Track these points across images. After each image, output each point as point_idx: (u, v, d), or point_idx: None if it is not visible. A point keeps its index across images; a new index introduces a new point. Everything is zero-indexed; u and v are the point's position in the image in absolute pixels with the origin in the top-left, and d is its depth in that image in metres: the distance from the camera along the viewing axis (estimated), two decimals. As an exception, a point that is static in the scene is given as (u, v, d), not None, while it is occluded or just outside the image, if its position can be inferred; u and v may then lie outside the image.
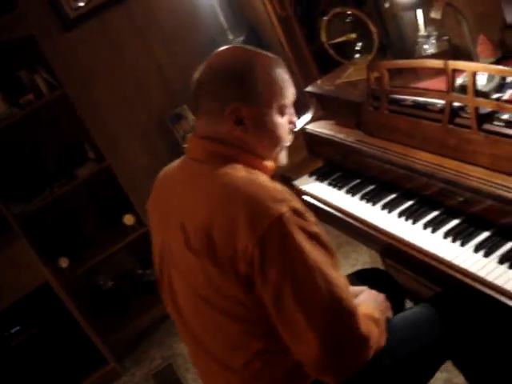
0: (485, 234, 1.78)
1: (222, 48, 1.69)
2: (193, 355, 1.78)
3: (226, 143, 1.61)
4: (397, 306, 1.92)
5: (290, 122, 1.72)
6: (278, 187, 1.52)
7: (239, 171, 1.55)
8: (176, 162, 1.76)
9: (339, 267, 1.53)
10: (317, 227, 1.51)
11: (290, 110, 1.71)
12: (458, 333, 1.76)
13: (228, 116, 1.58)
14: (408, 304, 2.28)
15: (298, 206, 1.49)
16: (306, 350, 1.45)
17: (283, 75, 1.65)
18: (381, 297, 1.82)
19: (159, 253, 1.73)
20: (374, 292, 1.85)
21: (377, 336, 1.56)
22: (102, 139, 3.76)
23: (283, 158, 1.76)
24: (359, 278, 2.13)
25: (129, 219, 3.82)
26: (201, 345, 1.67)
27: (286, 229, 1.43)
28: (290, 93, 1.67)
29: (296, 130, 2.64)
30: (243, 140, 1.62)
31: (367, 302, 1.76)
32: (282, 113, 1.66)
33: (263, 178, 1.55)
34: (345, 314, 1.46)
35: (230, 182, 1.53)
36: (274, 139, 1.67)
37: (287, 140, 1.73)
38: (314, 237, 1.48)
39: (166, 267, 1.71)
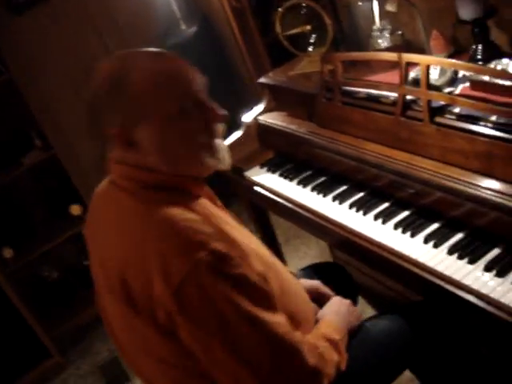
0: (434, 226, 1.80)
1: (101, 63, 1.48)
2: None
3: (139, 167, 1.43)
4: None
5: (207, 119, 1.46)
6: (196, 226, 1.33)
7: (160, 206, 1.37)
8: (106, 181, 1.56)
9: (273, 302, 1.39)
10: (244, 266, 1.34)
11: (201, 107, 1.45)
12: (419, 343, 1.76)
13: (117, 142, 1.42)
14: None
15: (220, 247, 1.30)
16: None
17: (175, 72, 1.43)
18: (345, 305, 1.77)
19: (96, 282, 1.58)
20: (337, 301, 1.79)
21: (335, 361, 1.49)
22: (50, 127, 3.68)
23: (221, 160, 1.51)
24: (314, 271, 2.12)
25: (75, 209, 3.75)
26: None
27: (203, 279, 1.27)
28: (190, 89, 1.43)
29: (246, 122, 2.64)
30: (149, 162, 1.42)
31: (330, 314, 1.70)
32: (186, 116, 1.41)
33: (183, 215, 1.35)
34: (287, 354, 1.36)
35: (142, 222, 1.36)
36: (188, 148, 1.45)
37: (211, 141, 1.49)
38: (238, 280, 1.32)
39: (100, 300, 1.57)
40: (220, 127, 1.52)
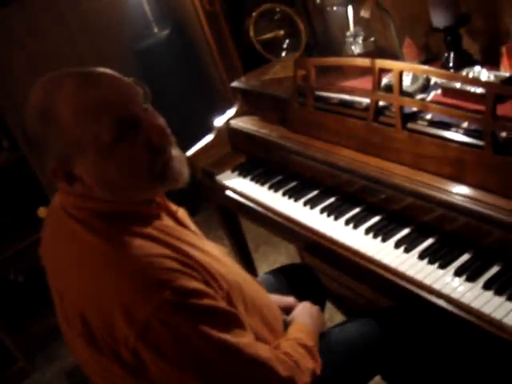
0: (405, 231, 1.80)
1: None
2: None
3: (88, 197, 1.35)
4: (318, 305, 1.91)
5: (147, 137, 1.32)
6: (159, 263, 1.26)
7: (114, 242, 1.30)
8: (58, 203, 1.45)
9: (240, 322, 1.37)
10: (207, 295, 1.29)
11: (137, 126, 1.31)
12: (389, 349, 1.76)
13: (58, 177, 1.34)
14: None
15: (183, 282, 1.26)
16: None
17: (103, 97, 1.29)
18: (315, 310, 1.77)
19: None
20: (307, 305, 1.79)
21: (310, 368, 1.48)
22: (19, 128, 3.62)
23: (175, 177, 1.39)
24: (282, 273, 2.12)
25: (43, 212, 3.69)
26: None
27: (168, 317, 1.23)
28: (123, 112, 1.29)
29: (218, 126, 2.63)
30: (94, 193, 1.34)
31: (302, 317, 1.70)
32: (122, 140, 1.29)
33: (146, 251, 1.28)
34: (259, 372, 1.34)
35: (100, 258, 1.29)
36: (131, 173, 1.33)
37: (158, 159, 1.35)
38: (204, 312, 1.28)
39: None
40: (171, 138, 1.40)
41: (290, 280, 2.05)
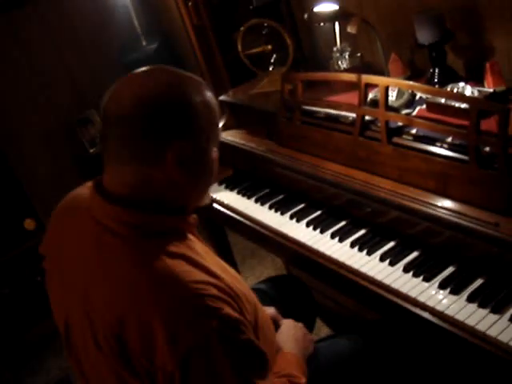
0: (391, 244, 1.82)
1: (138, 71, 1.35)
2: None
3: (148, 205, 1.31)
4: (309, 320, 1.91)
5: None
6: (208, 290, 1.22)
7: (162, 261, 1.25)
8: (82, 199, 1.40)
9: (269, 366, 1.33)
10: (247, 330, 1.27)
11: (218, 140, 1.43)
12: (378, 365, 1.77)
13: (170, 158, 1.27)
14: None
15: (230, 312, 1.23)
16: None
17: (214, 100, 1.38)
18: (300, 330, 1.74)
19: (63, 320, 1.43)
20: (291, 326, 1.74)
21: None
22: (2, 139, 3.62)
23: (208, 195, 1.53)
24: (273, 284, 2.12)
25: (29, 224, 3.68)
26: None
27: (211, 348, 1.19)
28: (219, 127, 1.44)
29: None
30: (180, 187, 1.33)
31: (289, 344, 1.65)
32: (216, 144, 1.39)
33: (192, 276, 1.24)
34: None
35: (145, 276, 1.24)
36: (209, 178, 1.42)
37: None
38: (244, 347, 1.25)
39: (73, 339, 1.43)
40: None
41: (280, 292, 2.05)
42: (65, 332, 1.43)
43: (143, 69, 1.35)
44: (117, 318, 1.24)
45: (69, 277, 1.39)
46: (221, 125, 2.68)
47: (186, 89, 1.30)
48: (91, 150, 3.83)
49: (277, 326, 1.75)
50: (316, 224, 2.03)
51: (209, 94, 1.35)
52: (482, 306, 1.50)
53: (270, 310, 1.79)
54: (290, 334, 1.70)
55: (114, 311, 1.25)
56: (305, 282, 2.23)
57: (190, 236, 1.39)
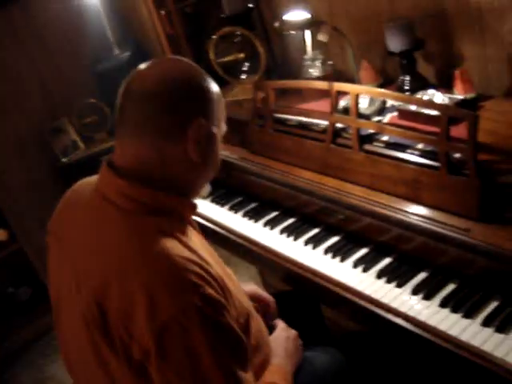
0: (363, 251, 1.83)
1: (162, 58, 1.48)
2: None
3: (155, 182, 1.35)
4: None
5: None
6: (193, 267, 1.25)
7: (157, 236, 1.29)
8: (87, 185, 1.47)
9: (249, 358, 1.33)
10: (228, 316, 1.28)
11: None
12: (357, 377, 1.78)
13: (190, 134, 1.33)
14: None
15: (211, 292, 1.24)
16: None
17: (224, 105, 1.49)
18: (292, 341, 1.71)
19: (56, 293, 1.47)
20: (284, 336, 1.71)
21: None
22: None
23: (207, 188, 1.58)
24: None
25: (1, 234, 3.64)
26: None
27: (190, 322, 1.20)
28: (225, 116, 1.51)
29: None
30: (192, 166, 1.38)
31: (278, 357, 1.62)
32: (221, 138, 1.48)
33: (180, 251, 1.27)
34: None
35: (139, 249, 1.27)
36: (217, 164, 1.48)
37: None
38: (223, 330, 1.26)
39: (61, 312, 1.47)
40: None
41: (286, 308, 2.02)
42: (55, 305, 1.48)
43: (171, 56, 1.45)
44: (101, 284, 1.27)
45: (67, 250, 1.43)
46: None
47: (206, 76, 1.42)
48: (64, 160, 3.79)
49: (262, 302, 1.83)
50: (290, 231, 2.03)
51: (218, 89, 1.46)
52: (454, 310, 1.51)
53: (252, 287, 1.88)
54: (281, 346, 1.67)
55: (99, 278, 1.28)
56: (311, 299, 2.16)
57: (188, 226, 1.42)
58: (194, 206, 1.46)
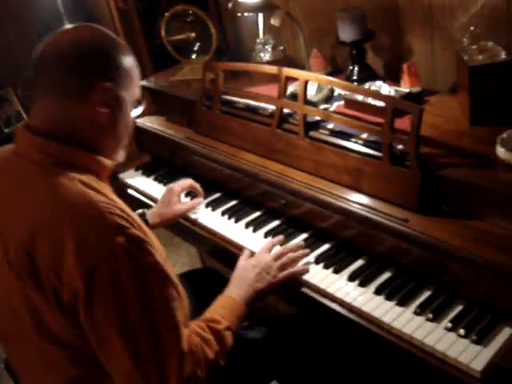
0: (303, 236, 1.85)
1: (72, 25, 1.48)
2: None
3: (67, 139, 1.38)
4: None
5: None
6: (115, 210, 1.30)
7: (74, 183, 1.33)
8: (4, 150, 1.50)
9: (179, 291, 1.38)
10: (157, 254, 1.32)
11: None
12: (287, 354, 1.78)
13: (96, 96, 1.38)
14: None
15: (137, 232, 1.30)
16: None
17: (136, 64, 1.51)
18: (253, 271, 1.69)
19: None
20: (246, 266, 1.72)
21: (210, 360, 1.41)
22: None
23: (123, 154, 1.58)
24: (188, 279, 2.10)
25: None
26: (18, 360, 1.55)
27: (118, 264, 1.25)
28: (139, 92, 1.54)
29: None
30: (101, 128, 1.43)
31: (230, 286, 1.65)
32: (132, 104, 1.52)
33: (101, 198, 1.32)
34: (170, 358, 1.31)
35: (60, 196, 1.31)
36: (128, 129, 1.52)
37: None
38: (151, 268, 1.30)
39: None
40: None
41: (196, 285, 2.04)
42: None
43: (84, 23, 1.49)
44: (28, 234, 1.30)
45: None
46: (140, 110, 2.65)
47: (118, 43, 1.45)
48: (6, 130, 3.70)
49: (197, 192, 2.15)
50: (231, 213, 2.03)
51: (132, 57, 1.48)
52: (388, 298, 1.54)
53: (187, 180, 2.15)
54: (238, 275, 1.71)
55: (25, 228, 1.31)
56: (222, 274, 2.22)
57: (106, 185, 1.45)
58: (107, 166, 1.48)
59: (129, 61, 1.46)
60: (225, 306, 1.58)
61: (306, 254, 1.75)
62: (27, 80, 1.45)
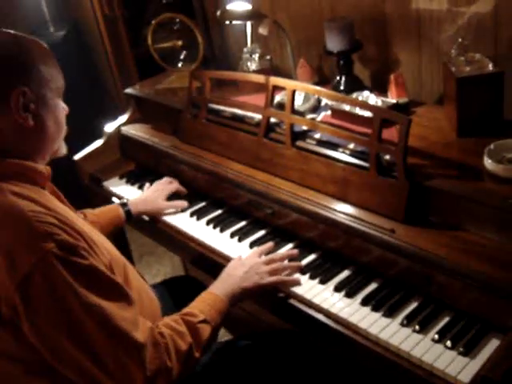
0: (289, 246, 1.83)
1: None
2: None
3: None
4: None
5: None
6: (46, 218, 1.28)
7: (3, 195, 1.31)
8: None
9: (124, 293, 1.35)
10: (91, 257, 1.31)
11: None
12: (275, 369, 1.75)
13: (14, 103, 1.36)
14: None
15: (68, 238, 1.27)
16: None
17: (54, 59, 1.49)
18: (241, 269, 1.67)
19: None
20: (236, 264, 1.71)
21: (182, 350, 1.39)
22: None
23: (63, 147, 1.56)
24: (167, 287, 2.08)
25: None
26: None
27: (51, 270, 1.23)
28: (61, 78, 1.51)
29: (109, 131, 2.59)
30: (29, 132, 1.40)
31: (216, 283, 1.64)
32: (60, 97, 1.50)
33: (32, 207, 1.30)
34: (127, 353, 1.29)
35: None
36: (59, 125, 1.49)
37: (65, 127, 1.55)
38: (86, 271, 1.28)
39: None
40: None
41: (175, 293, 2.02)
42: None
43: None
44: None
45: None
46: (125, 117, 2.64)
47: (24, 42, 1.42)
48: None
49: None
50: (216, 223, 2.01)
51: (43, 48, 1.46)
52: (374, 309, 1.53)
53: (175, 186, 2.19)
54: (225, 272, 1.70)
55: None
56: (202, 283, 2.19)
57: (45, 191, 1.44)
58: (47, 171, 1.46)
59: (43, 59, 1.43)
60: (205, 301, 1.56)
61: (300, 267, 1.72)
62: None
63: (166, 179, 2.26)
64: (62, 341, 1.25)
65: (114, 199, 2.36)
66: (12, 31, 1.44)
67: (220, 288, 1.61)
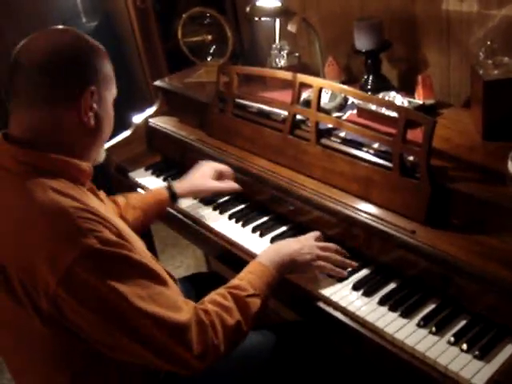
0: (310, 243, 1.84)
1: (52, 28, 1.48)
2: None
3: (49, 146, 1.39)
4: None
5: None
6: (84, 214, 1.30)
7: (46, 191, 1.32)
8: None
9: (164, 278, 1.40)
10: (130, 249, 1.34)
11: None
12: (286, 362, 1.77)
13: (83, 102, 1.39)
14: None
15: (109, 236, 1.31)
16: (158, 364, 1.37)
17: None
18: (292, 247, 1.65)
19: None
20: (288, 241, 1.70)
21: (229, 325, 1.42)
22: None
23: (103, 153, 1.60)
24: (192, 282, 2.10)
25: None
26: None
27: (91, 264, 1.26)
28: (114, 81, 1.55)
29: (136, 123, 2.62)
30: (88, 131, 1.43)
31: (263, 253, 1.64)
32: (112, 99, 1.53)
33: (73, 203, 1.31)
34: (174, 333, 1.32)
35: (31, 206, 1.31)
36: (111, 126, 1.53)
37: None
38: (126, 264, 1.32)
39: None
40: None
41: (200, 289, 2.03)
42: None
43: (56, 26, 1.51)
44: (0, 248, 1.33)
45: None
46: (153, 109, 2.66)
47: (93, 45, 1.46)
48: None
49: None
50: (238, 217, 2.03)
51: (107, 57, 1.50)
52: (392, 309, 1.53)
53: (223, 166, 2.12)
54: (278, 244, 1.72)
55: None
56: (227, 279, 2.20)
57: (86, 190, 1.47)
58: (87, 170, 1.48)
59: (106, 61, 1.47)
60: (254, 272, 1.56)
61: (352, 267, 1.71)
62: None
63: (208, 162, 2.17)
64: (112, 331, 1.30)
65: (139, 190, 2.39)
66: (75, 30, 1.48)
67: (269, 259, 1.61)
